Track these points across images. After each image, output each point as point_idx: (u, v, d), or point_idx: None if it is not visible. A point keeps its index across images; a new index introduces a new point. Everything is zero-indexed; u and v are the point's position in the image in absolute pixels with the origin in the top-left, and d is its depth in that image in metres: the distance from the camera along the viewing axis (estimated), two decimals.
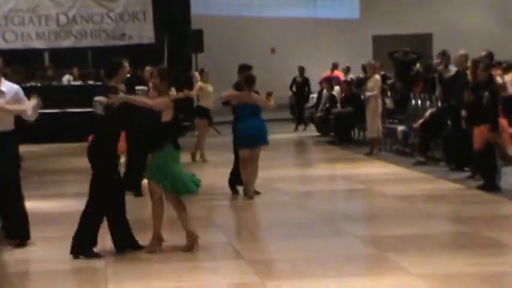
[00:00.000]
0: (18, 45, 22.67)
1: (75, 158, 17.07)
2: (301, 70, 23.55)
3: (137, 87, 11.99)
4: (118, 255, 8.21)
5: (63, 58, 23.60)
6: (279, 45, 28.47)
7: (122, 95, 8.39)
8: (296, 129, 22.84)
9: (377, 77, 16.39)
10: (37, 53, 23.30)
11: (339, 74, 22.91)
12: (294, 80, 23.66)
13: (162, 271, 7.60)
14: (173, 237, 8.58)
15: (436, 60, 18.66)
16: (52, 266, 7.99)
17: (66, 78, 22.20)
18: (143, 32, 23.13)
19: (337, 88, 20.45)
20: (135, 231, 8.45)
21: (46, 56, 24.21)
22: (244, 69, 11.95)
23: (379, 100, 16.32)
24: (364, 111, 16.50)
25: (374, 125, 16.18)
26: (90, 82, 22.01)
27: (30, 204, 9.09)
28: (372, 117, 16.18)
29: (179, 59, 21.68)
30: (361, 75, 20.38)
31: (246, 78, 11.60)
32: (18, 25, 22.83)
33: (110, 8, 23.11)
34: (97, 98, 8.21)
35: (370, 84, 16.26)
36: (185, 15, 23.59)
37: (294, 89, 23.76)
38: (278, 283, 7.17)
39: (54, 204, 11.52)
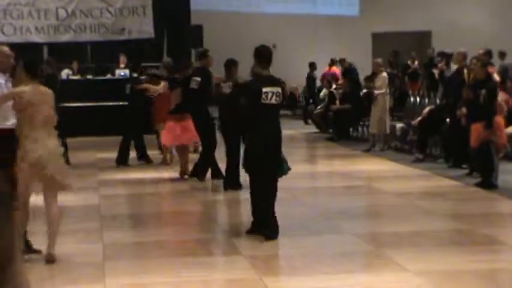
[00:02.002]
0: (17, 39, 22.54)
1: (73, 153, 17.06)
2: (314, 66, 23.50)
3: (193, 78, 12.51)
4: (116, 250, 8.24)
5: (62, 52, 23.56)
6: (279, 41, 28.44)
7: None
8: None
9: (384, 74, 16.41)
10: (36, 47, 23.23)
11: (336, 70, 22.86)
12: (310, 76, 23.57)
13: (159, 267, 7.61)
14: (173, 232, 8.61)
15: (437, 58, 18.71)
16: None
17: (65, 73, 22.15)
18: (143, 27, 23.04)
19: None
20: (132, 227, 8.43)
21: (45, 50, 24.17)
22: (231, 63, 12.16)
23: (387, 97, 16.37)
24: (362, 107, 16.52)
25: (381, 122, 16.19)
26: (89, 76, 21.99)
27: (31, 199, 9.09)
28: (379, 115, 16.17)
29: (178, 55, 21.63)
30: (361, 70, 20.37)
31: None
32: (17, 19, 22.74)
33: (110, 3, 23.03)
34: (273, 89, 8.62)
35: (377, 82, 16.28)
36: (185, 11, 23.53)
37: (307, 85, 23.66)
38: (276, 279, 7.20)
39: None
